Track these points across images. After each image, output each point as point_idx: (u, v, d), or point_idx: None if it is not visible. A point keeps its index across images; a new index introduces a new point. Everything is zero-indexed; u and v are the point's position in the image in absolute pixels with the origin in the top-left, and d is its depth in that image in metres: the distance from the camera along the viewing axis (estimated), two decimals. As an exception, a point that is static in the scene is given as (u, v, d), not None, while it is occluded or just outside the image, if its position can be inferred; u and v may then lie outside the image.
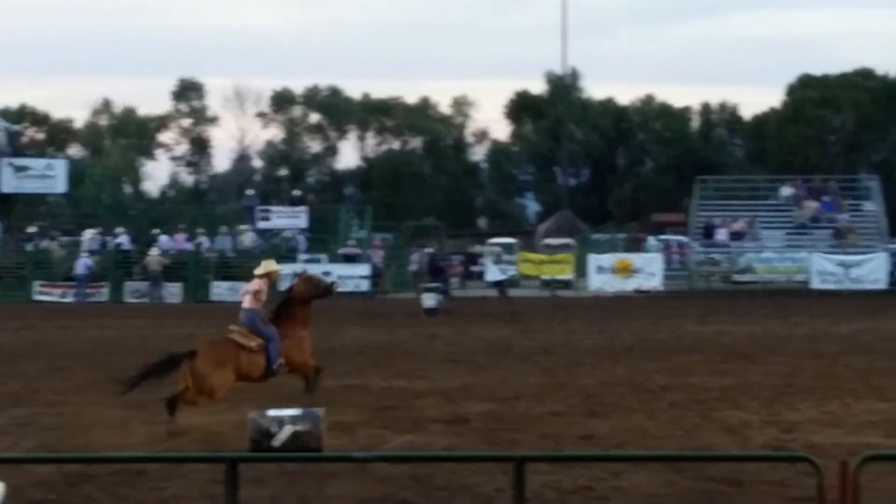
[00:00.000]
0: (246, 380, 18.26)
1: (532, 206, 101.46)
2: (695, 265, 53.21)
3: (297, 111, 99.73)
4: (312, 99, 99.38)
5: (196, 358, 17.52)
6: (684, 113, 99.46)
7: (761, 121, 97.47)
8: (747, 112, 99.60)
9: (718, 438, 15.97)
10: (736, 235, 53.83)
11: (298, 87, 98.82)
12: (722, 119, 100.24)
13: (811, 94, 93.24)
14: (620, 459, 12.95)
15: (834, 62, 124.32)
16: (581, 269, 53.13)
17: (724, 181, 61.07)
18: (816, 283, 49.71)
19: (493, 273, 53.16)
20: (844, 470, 8.29)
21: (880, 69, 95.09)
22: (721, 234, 53.81)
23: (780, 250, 52.62)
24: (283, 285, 24.33)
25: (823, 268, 50.11)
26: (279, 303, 19.40)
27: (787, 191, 56.98)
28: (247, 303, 18.60)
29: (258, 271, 19.11)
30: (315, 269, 49.68)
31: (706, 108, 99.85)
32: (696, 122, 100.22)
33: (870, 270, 49.87)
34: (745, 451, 14.67)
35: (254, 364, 18.12)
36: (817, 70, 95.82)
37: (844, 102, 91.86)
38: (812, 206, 55.14)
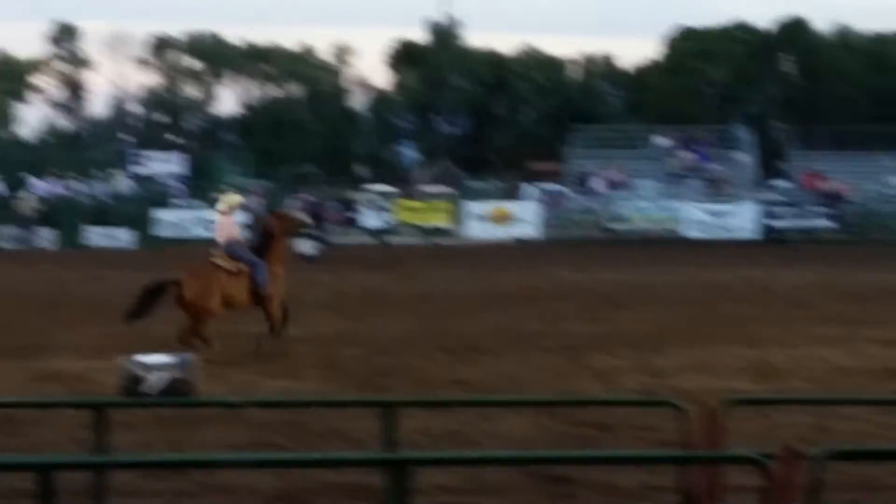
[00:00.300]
0: (232, 305, 18.68)
1: (412, 154, 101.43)
2: (571, 213, 53.67)
3: (175, 57, 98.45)
4: (192, 45, 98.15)
5: (180, 287, 18.03)
6: (564, 63, 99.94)
7: (640, 72, 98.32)
8: (626, 63, 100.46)
9: (589, 384, 16.21)
10: (611, 184, 54.37)
11: (177, 32, 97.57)
12: (601, 70, 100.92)
13: (689, 46, 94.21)
14: (490, 404, 13.09)
15: (711, 15, 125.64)
16: (459, 217, 53.34)
17: (600, 131, 61.60)
18: (689, 232, 50.46)
19: (371, 220, 53.16)
20: (709, 414, 8.47)
21: (756, 22, 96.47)
22: (597, 183, 54.32)
23: (654, 199, 53.26)
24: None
25: (696, 217, 50.87)
26: (255, 240, 19.63)
27: (661, 141, 57.66)
28: (221, 239, 18.98)
29: (221, 207, 19.60)
30: (192, 216, 49.54)
31: (586, 59, 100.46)
32: (575, 73, 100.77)
33: (741, 219, 50.75)
34: (613, 396, 14.92)
35: (238, 288, 18.51)
36: (696, 22, 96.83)
37: (721, 55, 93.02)
38: (686, 156, 55.89)
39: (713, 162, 55.83)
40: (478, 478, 10.82)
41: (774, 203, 53.30)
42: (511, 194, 58.22)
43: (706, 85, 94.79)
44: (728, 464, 8.55)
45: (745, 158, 57.09)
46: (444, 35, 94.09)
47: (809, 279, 32.41)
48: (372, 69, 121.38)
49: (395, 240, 51.44)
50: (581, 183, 54.81)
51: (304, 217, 22.44)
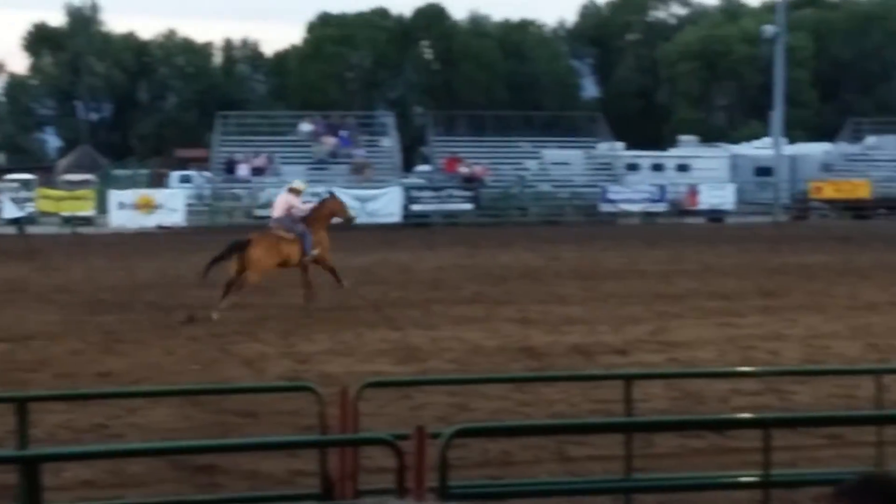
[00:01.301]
0: (286, 265, 23.50)
1: (52, 140, 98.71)
2: (217, 201, 53.39)
3: None
4: None
5: (250, 247, 22.72)
6: (206, 48, 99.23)
7: (282, 57, 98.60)
8: (269, 49, 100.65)
9: (236, 371, 16.28)
10: (257, 171, 54.35)
11: None
12: (244, 55, 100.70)
13: (330, 31, 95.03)
14: (129, 395, 12.96)
15: (352, 1, 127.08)
16: (102, 206, 52.21)
17: (245, 117, 61.48)
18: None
19: (10, 210, 51.43)
20: (344, 397, 8.67)
21: (395, 9, 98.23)
22: (243, 170, 54.21)
23: (300, 185, 53.41)
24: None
25: (344, 201, 51.34)
26: (313, 208, 24.50)
27: (306, 127, 58.01)
28: (279, 212, 23.90)
29: (293, 186, 24.78)
30: None
31: (228, 44, 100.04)
32: (218, 58, 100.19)
33: (385, 204, 51.58)
34: (254, 383, 15.03)
35: (292, 251, 23.42)
36: (336, 8, 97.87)
37: (362, 41, 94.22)
38: (330, 141, 56.40)
39: (357, 147, 56.56)
40: (123, 471, 10.75)
41: (417, 188, 54.46)
42: (156, 181, 57.47)
43: (348, 70, 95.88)
44: (363, 446, 8.79)
45: (389, 144, 58.07)
46: (83, 19, 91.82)
47: (450, 261, 33.34)
48: (8, 53, 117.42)
49: (36, 230, 49.95)
50: (227, 170, 54.58)
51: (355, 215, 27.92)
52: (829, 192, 56.86)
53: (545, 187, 56.75)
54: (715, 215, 54.82)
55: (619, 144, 62.97)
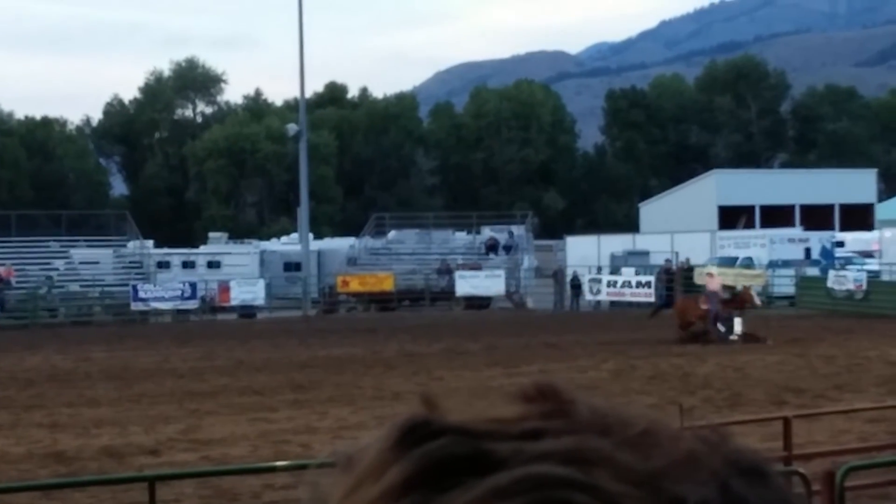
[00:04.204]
0: (704, 320, 34.13)
1: None
2: None
3: None
4: None
5: (677, 304, 36.87)
6: None
7: None
8: None
9: None
10: None
11: None
12: None
13: None
14: None
15: None
16: None
17: None
18: None
19: None
20: None
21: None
22: None
23: None
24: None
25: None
26: (733, 295, 35.74)
27: None
28: (711, 288, 35.24)
29: (709, 272, 38.31)
30: None
31: None
32: None
33: None
34: None
35: (701, 315, 34.14)
36: None
37: None
38: None
39: None
40: None
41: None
42: None
43: None
44: None
45: None
46: None
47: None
48: None
49: None
50: None
51: (758, 302, 37.48)
52: (355, 285, 58.46)
53: (74, 287, 55.71)
54: (246, 311, 55.27)
55: (149, 242, 62.69)
